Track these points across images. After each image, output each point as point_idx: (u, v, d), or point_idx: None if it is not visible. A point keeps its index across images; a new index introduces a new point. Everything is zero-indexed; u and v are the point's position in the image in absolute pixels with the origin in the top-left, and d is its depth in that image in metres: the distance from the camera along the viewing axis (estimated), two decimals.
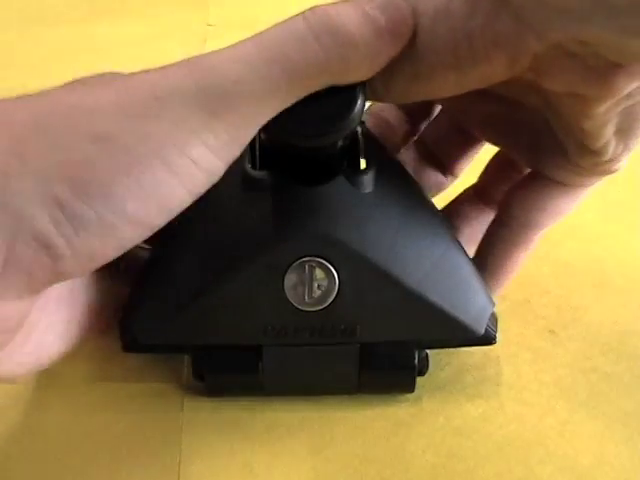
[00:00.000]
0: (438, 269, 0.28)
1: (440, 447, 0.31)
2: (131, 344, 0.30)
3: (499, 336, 0.30)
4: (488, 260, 0.31)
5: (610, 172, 0.28)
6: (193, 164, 0.22)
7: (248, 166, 0.28)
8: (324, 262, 0.27)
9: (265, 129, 0.24)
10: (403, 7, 0.23)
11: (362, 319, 0.29)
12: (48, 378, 0.33)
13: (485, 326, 0.30)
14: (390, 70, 0.24)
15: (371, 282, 0.28)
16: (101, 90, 0.22)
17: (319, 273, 0.28)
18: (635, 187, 0.43)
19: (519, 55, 0.23)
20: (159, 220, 0.22)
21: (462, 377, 0.33)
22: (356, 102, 0.24)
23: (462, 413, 0.32)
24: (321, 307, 0.28)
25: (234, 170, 0.26)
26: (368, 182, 0.28)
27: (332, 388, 0.32)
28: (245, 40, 0.23)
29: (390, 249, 0.28)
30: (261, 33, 0.23)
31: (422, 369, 0.32)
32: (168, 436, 0.31)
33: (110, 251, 0.22)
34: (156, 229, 0.23)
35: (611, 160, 0.27)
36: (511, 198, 0.31)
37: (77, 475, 0.30)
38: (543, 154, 0.29)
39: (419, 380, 0.32)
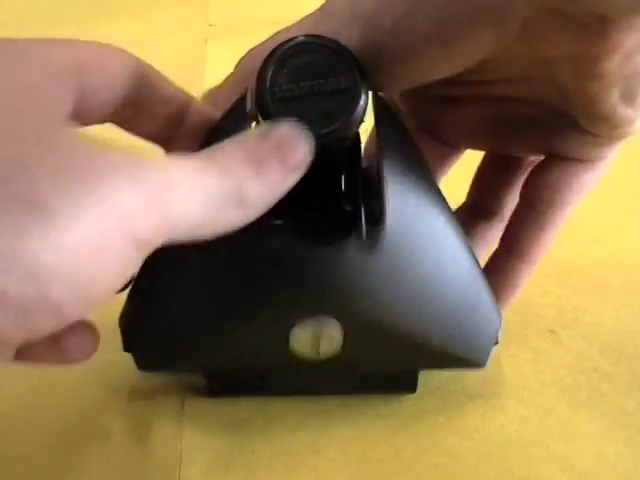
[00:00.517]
0: (450, 317, 0.28)
1: (441, 447, 0.31)
2: (139, 364, 0.30)
3: (500, 336, 0.30)
4: (518, 244, 0.31)
5: (628, 136, 0.28)
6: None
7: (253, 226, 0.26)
8: (331, 320, 0.27)
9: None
10: (297, 145, 0.23)
11: (365, 361, 0.30)
12: (48, 379, 0.33)
13: (487, 358, 0.30)
14: (377, 52, 0.24)
15: (378, 335, 0.28)
16: None
17: (325, 329, 0.27)
18: (635, 187, 0.43)
19: (506, 21, 0.23)
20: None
21: (463, 377, 0.33)
22: (359, 99, 0.24)
23: (463, 413, 0.32)
24: (325, 357, 0.28)
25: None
26: (382, 240, 0.26)
27: (333, 389, 0.32)
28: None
29: (401, 307, 0.27)
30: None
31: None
32: (168, 436, 0.31)
33: None
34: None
35: (624, 124, 0.27)
36: (535, 182, 0.31)
37: (77, 475, 0.30)
38: (555, 137, 0.29)
39: (420, 380, 0.32)
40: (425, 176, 0.28)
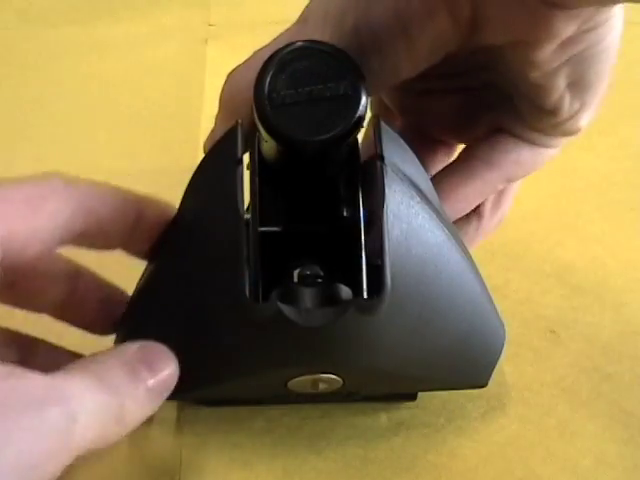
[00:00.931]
0: (454, 351, 0.28)
1: (441, 447, 0.31)
2: None
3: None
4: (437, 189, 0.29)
5: (572, 133, 0.28)
6: None
7: (246, 297, 0.25)
8: (330, 375, 0.27)
9: (272, 133, 0.24)
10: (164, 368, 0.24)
11: (365, 393, 0.30)
12: None
13: (489, 379, 0.30)
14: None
15: (378, 377, 0.28)
16: None
17: (323, 378, 0.27)
18: (635, 187, 0.43)
19: (458, 5, 0.23)
20: None
21: None
22: (358, 105, 0.24)
23: (463, 413, 0.32)
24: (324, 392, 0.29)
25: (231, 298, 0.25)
26: (381, 307, 0.25)
27: (333, 400, 0.32)
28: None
29: (404, 355, 0.27)
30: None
31: None
32: (168, 436, 0.31)
33: None
34: None
35: (569, 119, 0.27)
36: (475, 142, 0.30)
37: (76, 474, 0.30)
38: (506, 120, 0.29)
39: None
40: (428, 207, 0.27)
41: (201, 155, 0.28)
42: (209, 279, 0.25)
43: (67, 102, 0.48)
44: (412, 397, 0.32)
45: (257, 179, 0.26)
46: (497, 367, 0.33)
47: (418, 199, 0.26)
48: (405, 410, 0.32)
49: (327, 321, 0.24)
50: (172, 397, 0.29)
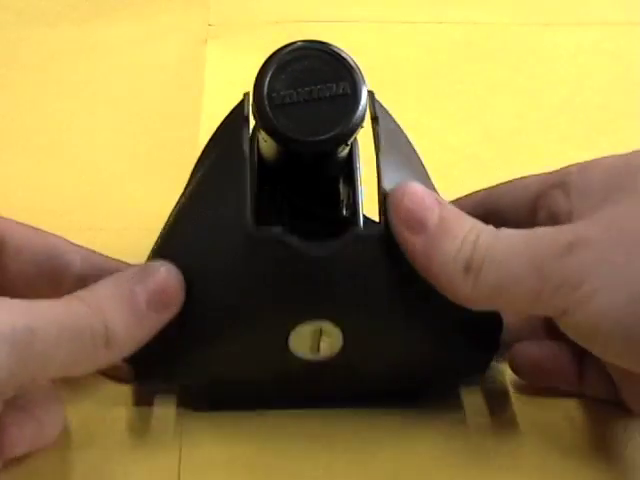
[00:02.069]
0: (447, 318, 0.28)
1: (441, 448, 0.31)
2: (137, 378, 0.31)
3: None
4: None
5: None
6: None
7: (250, 223, 0.26)
8: (328, 324, 0.27)
9: (273, 132, 0.24)
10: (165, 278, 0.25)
11: (364, 368, 0.30)
12: None
13: (487, 368, 0.30)
14: None
15: (378, 337, 0.28)
16: None
17: (324, 330, 0.27)
18: None
19: None
20: None
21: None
22: (358, 105, 0.24)
23: (463, 414, 0.32)
24: (325, 358, 0.28)
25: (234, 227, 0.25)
26: (376, 242, 0.26)
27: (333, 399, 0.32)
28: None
29: (398, 304, 0.27)
30: None
31: None
32: (168, 435, 0.31)
33: None
34: None
35: None
36: None
37: (76, 473, 0.30)
38: None
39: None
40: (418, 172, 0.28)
41: None
42: (213, 214, 0.26)
43: (67, 102, 0.48)
44: (412, 397, 0.32)
45: (257, 179, 0.26)
46: (497, 367, 0.33)
47: (410, 166, 0.27)
48: (405, 411, 0.32)
49: (328, 251, 0.25)
50: (173, 381, 0.29)
